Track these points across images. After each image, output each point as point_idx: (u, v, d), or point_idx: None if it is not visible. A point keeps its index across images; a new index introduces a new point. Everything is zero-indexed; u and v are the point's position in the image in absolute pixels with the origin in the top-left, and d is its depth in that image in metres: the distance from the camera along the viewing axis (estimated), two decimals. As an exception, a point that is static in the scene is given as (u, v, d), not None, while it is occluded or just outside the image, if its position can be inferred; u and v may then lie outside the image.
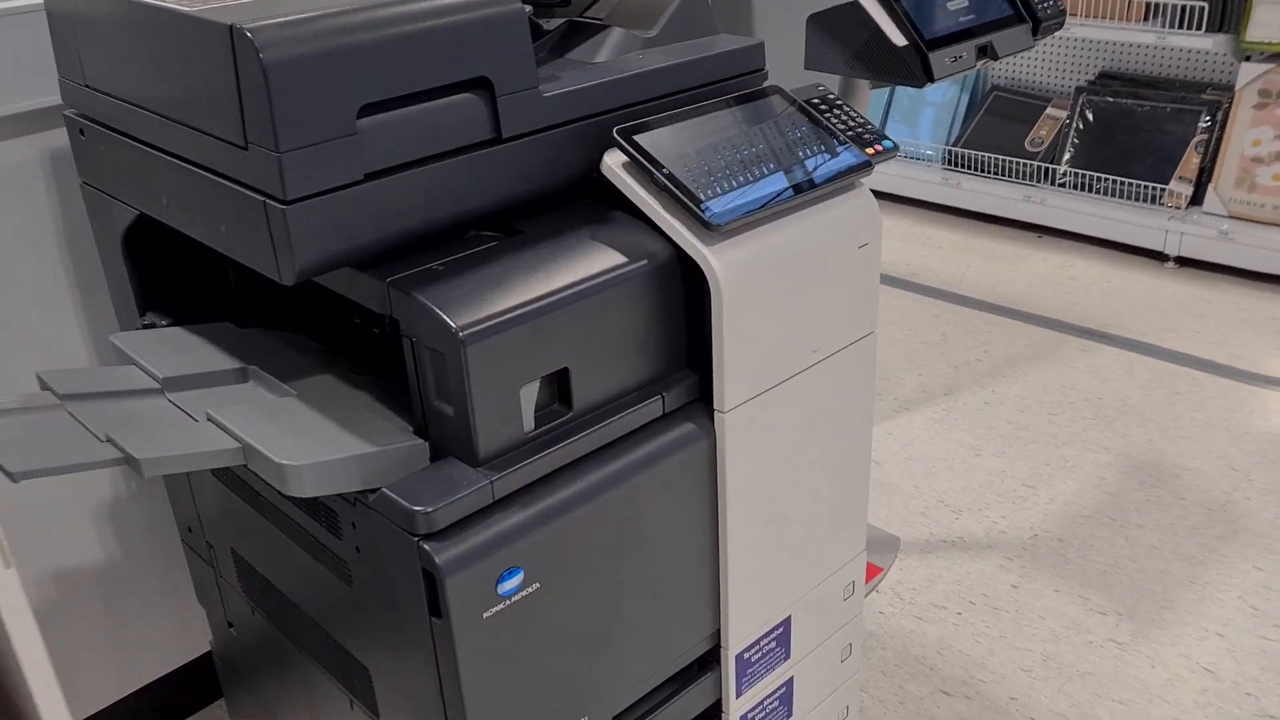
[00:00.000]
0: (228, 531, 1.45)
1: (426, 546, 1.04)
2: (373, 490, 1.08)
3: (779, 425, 1.28)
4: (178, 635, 1.88)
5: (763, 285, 1.19)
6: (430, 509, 1.03)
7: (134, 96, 1.18)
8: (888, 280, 3.47)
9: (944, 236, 3.79)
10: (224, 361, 1.28)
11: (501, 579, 1.07)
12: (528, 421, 1.11)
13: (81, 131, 1.33)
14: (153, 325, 1.38)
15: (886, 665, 1.98)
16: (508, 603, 1.09)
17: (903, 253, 3.67)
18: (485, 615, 1.07)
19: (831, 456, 1.38)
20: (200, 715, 1.94)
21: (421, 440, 1.12)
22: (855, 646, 1.57)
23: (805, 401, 1.30)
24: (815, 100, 1.33)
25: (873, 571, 2.20)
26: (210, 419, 1.13)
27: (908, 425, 2.72)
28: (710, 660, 1.37)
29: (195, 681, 1.92)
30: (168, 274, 1.40)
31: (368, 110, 1.03)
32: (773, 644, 1.41)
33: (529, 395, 1.11)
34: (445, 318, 1.03)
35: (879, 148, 1.32)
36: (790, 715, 1.49)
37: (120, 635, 1.82)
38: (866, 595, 2.14)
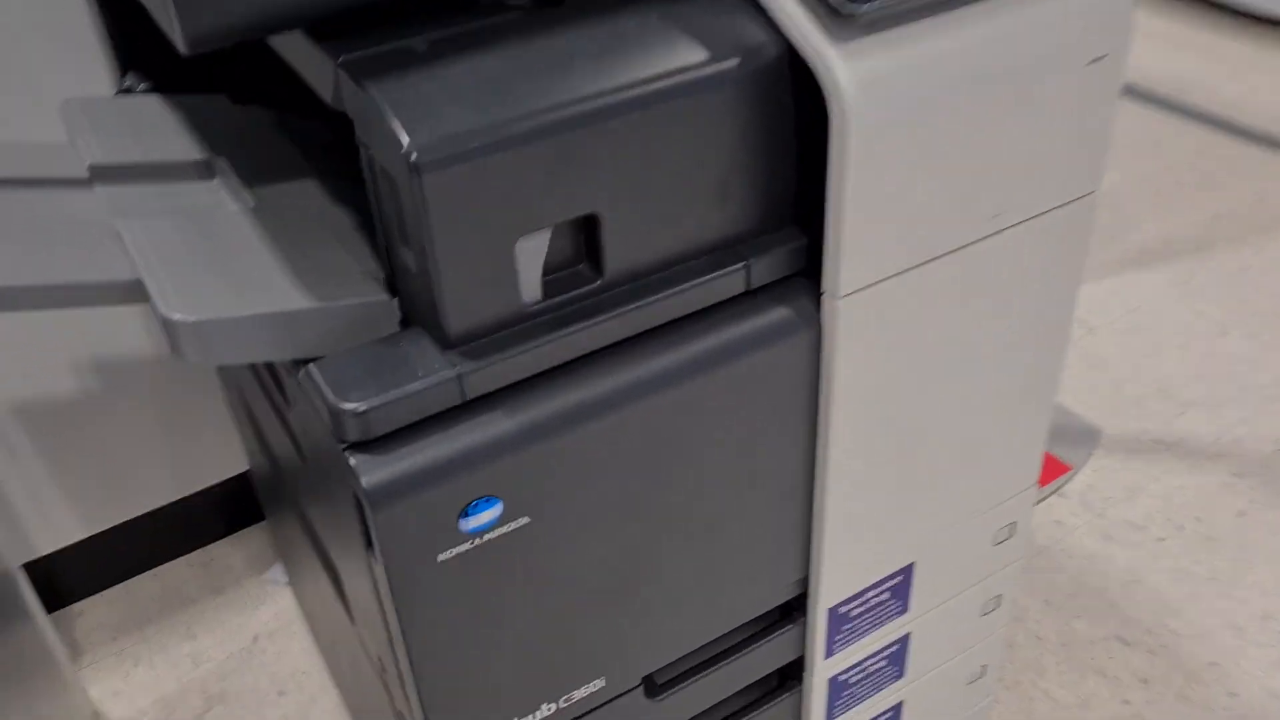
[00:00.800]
0: (228, 355, 1.19)
1: (352, 461, 0.72)
2: (307, 361, 0.76)
3: (923, 319, 0.88)
4: (236, 443, 1.69)
5: (918, 111, 0.77)
6: (361, 406, 0.71)
7: None
8: (1142, 96, 2.83)
9: (1230, 47, 3.05)
10: (189, 149, 0.97)
11: (469, 510, 0.75)
12: (530, 290, 0.76)
13: None
14: (130, 90, 1.08)
15: (1054, 593, 1.60)
16: (476, 542, 0.77)
17: (1169, 62, 2.98)
18: (440, 557, 0.76)
19: (1005, 362, 0.97)
20: (263, 526, 1.78)
21: (388, 297, 0.79)
22: (1007, 597, 1.20)
23: (970, 288, 0.89)
24: None
25: (1057, 469, 1.79)
26: (119, 234, 0.83)
27: (1136, 285, 2.20)
28: (794, 609, 1.03)
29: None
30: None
31: None
32: (884, 595, 1.06)
33: (533, 252, 0.75)
34: (397, 126, 0.67)
35: (1150, -96, 0.83)
36: (900, 676, 1.15)
37: (176, 433, 1.64)
38: (1043, 499, 1.74)
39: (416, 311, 0.77)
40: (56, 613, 1.66)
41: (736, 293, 0.83)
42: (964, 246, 0.86)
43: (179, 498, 1.70)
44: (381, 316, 0.78)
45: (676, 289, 0.80)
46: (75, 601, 1.68)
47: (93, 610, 1.67)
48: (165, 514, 1.70)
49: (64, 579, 1.66)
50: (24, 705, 1.23)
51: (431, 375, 0.73)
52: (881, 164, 0.77)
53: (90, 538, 1.65)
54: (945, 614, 1.13)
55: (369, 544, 0.75)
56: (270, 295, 0.77)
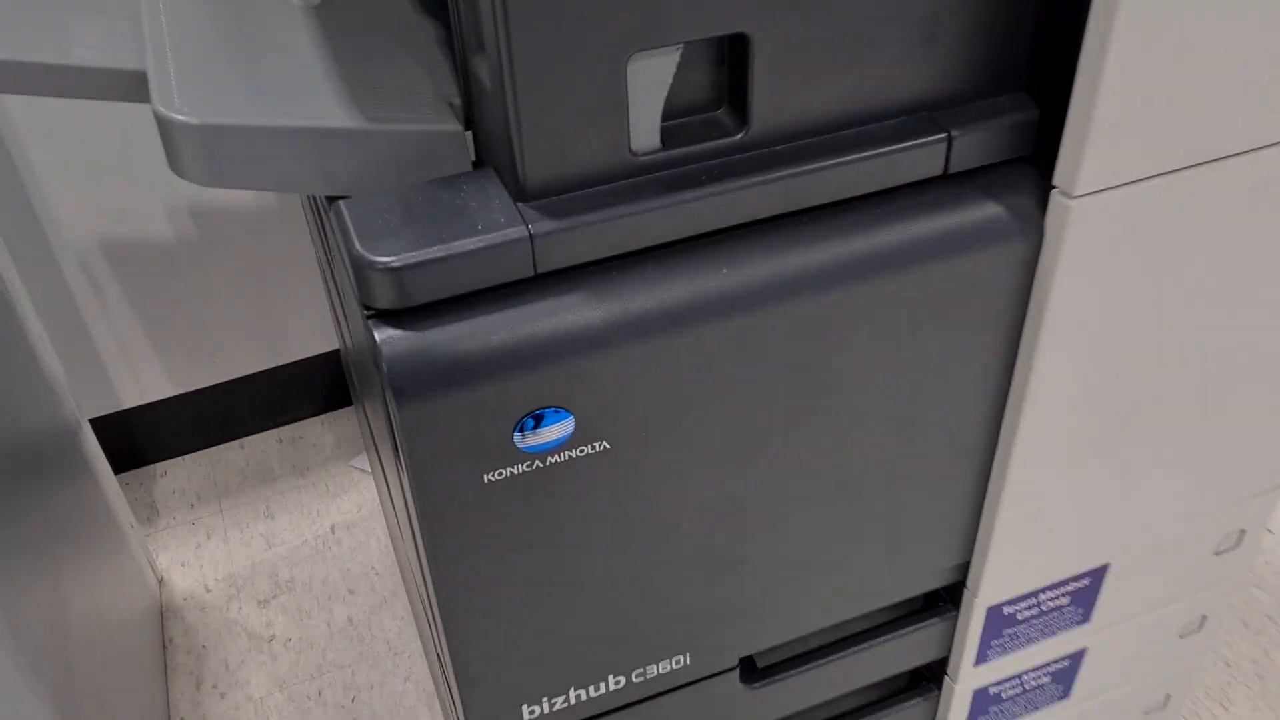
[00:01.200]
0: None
1: (378, 335, 0.53)
2: (337, 199, 0.58)
3: (1187, 241, 0.63)
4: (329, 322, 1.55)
5: (1243, -71, 0.52)
6: (395, 261, 0.52)
7: None
8: None
9: None
10: (264, -64, 0.79)
11: (529, 423, 0.56)
12: (643, 135, 0.55)
13: None
14: None
15: (1253, 614, 1.33)
16: (536, 464, 0.58)
17: None
18: (487, 478, 0.57)
19: None
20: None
21: (459, 128, 0.59)
22: (1214, 619, 0.95)
23: (1262, 209, 0.64)
24: None
25: (1275, 466, 1.49)
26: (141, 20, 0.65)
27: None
28: (944, 600, 0.82)
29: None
30: None
31: None
32: (1063, 600, 0.83)
33: (652, 80, 0.54)
34: None
35: None
36: (1065, 696, 0.93)
37: (274, 299, 1.51)
38: (1254, 499, 1.45)
39: (491, 150, 0.57)
40: (137, 470, 1.57)
41: (931, 175, 0.60)
42: (1265, 147, 0.61)
43: (273, 366, 1.57)
44: (448, 151, 0.59)
45: (846, 158, 0.58)
46: (157, 462, 1.59)
47: (174, 472, 1.57)
48: (257, 382, 1.59)
49: (147, 437, 1.56)
50: (82, 565, 1.13)
51: (495, 231, 0.53)
52: (1166, 11, 0.53)
53: (178, 396, 1.55)
54: (1135, 631, 0.89)
55: (395, 449, 0.57)
56: (303, 107, 0.58)
